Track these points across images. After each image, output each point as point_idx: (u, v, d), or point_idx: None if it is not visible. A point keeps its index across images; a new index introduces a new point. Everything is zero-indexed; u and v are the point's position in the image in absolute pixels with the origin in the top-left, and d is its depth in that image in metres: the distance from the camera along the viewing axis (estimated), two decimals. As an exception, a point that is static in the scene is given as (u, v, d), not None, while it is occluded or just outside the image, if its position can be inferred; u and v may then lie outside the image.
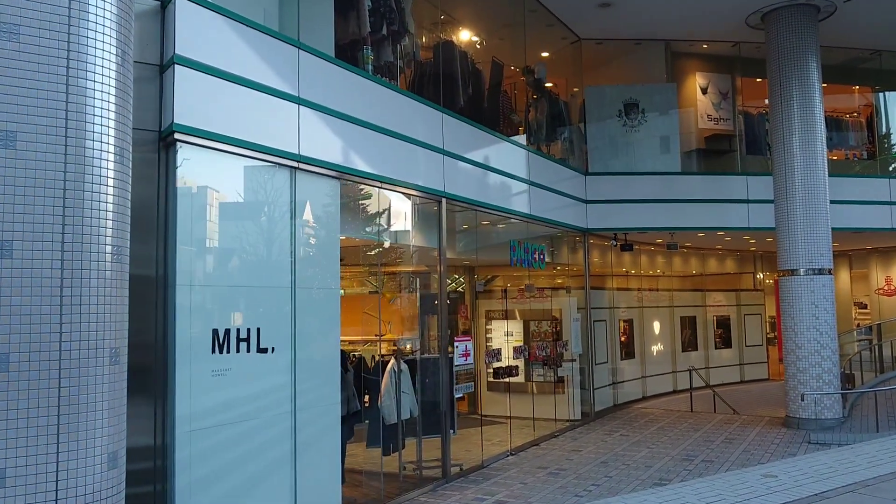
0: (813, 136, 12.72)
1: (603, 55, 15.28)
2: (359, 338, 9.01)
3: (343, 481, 7.97)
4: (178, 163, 5.74)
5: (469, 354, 9.57)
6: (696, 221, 14.44)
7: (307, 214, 7.09)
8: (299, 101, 6.90)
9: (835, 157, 16.70)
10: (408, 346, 9.67)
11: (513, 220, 11.79)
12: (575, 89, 15.23)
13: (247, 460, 6.15)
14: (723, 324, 19.33)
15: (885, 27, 14.23)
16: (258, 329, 6.31)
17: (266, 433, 6.35)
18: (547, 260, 14.63)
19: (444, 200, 9.27)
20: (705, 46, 15.10)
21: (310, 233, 7.13)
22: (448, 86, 10.08)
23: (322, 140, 7.21)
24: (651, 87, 14.69)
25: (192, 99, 5.77)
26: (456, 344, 9.37)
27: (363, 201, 8.33)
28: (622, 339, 16.09)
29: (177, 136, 5.65)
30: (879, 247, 20.20)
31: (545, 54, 15.08)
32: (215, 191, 6.15)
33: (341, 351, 8.15)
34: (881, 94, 17.19)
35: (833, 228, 14.87)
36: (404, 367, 8.92)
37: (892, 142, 17.31)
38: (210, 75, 5.94)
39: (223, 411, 5.94)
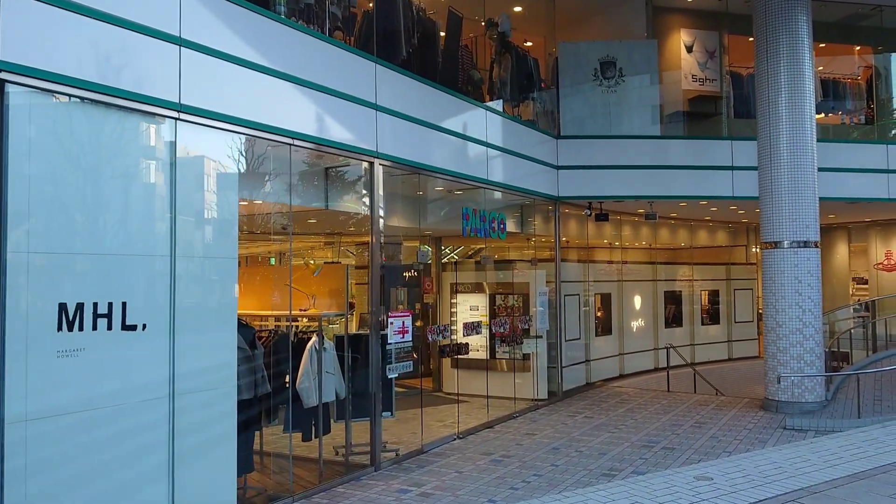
0: (801, 96, 11.69)
1: (580, 11, 14.24)
2: (272, 313, 8.18)
3: (249, 469, 7.23)
4: (8, 107, 4.86)
5: (407, 331, 8.73)
6: (677, 190, 13.48)
7: (193, 173, 6.22)
8: (181, 41, 5.99)
9: (831, 122, 15.64)
10: (337, 322, 8.86)
11: (475, 188, 10.91)
12: (553, 49, 14.21)
13: (108, 461, 5.35)
14: (711, 299, 18.42)
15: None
16: (123, 303, 5.47)
17: (133, 425, 5.55)
18: (515, 230, 13.78)
19: (376, 161, 8.38)
20: (690, 0, 14.00)
21: (197, 194, 6.27)
22: (387, 35, 9.13)
23: (212, 88, 6.31)
24: (630, 43, 13.64)
25: (24, 32, 4.88)
26: (391, 320, 8.54)
27: (273, 160, 7.45)
28: (599, 314, 15.23)
29: (4, 75, 4.78)
30: (879, 219, 19.15)
31: (518, 9, 14.03)
32: (63, 143, 5.27)
33: (248, 327, 7.35)
34: (883, 56, 16.00)
35: (827, 198, 13.94)
36: (329, 345, 8.10)
37: (894, 106, 16.18)
38: (48, 4, 5.04)
39: (75, 402, 5.13)
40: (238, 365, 6.59)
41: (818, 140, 14.44)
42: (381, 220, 8.39)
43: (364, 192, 8.49)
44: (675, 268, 17.64)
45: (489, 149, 10.89)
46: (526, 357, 12.84)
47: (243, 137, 6.71)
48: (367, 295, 8.59)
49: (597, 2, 13.87)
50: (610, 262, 15.95)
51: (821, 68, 16.16)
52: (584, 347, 14.39)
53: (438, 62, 10.78)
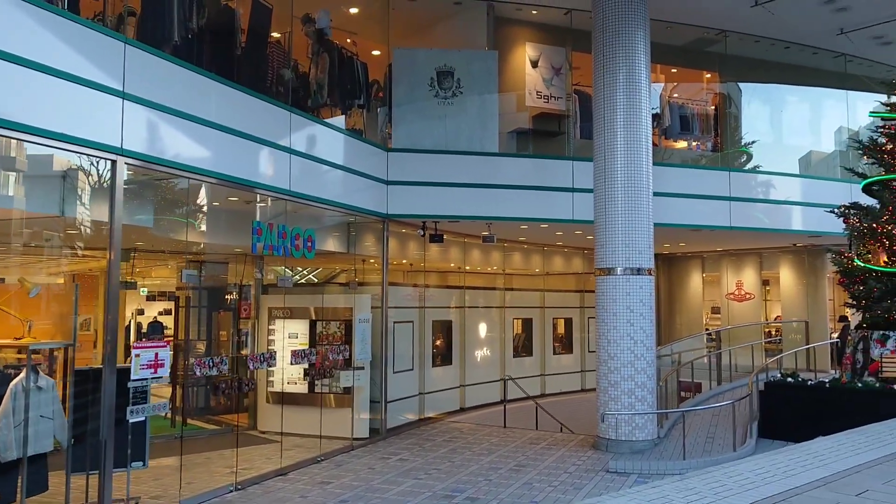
0: (637, 118, 11.10)
1: (419, 17, 13.30)
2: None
3: None
4: None
5: (162, 366, 7.29)
6: (516, 211, 12.63)
7: None
8: None
9: (678, 147, 15.33)
10: (60, 354, 7.32)
11: (277, 199, 9.64)
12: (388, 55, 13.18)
13: None
14: (565, 327, 17.76)
15: (722, 2, 12.79)
16: None
17: None
18: (340, 250, 12.57)
19: (120, 160, 6.95)
20: (535, 13, 13.32)
21: None
22: (151, 14, 7.77)
23: None
24: (469, 53, 12.78)
25: None
26: (136, 352, 7.09)
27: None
28: (438, 342, 14.16)
29: None
30: (731, 249, 19.15)
31: (354, 10, 12.97)
32: None
33: None
34: (730, 84, 15.89)
35: (671, 224, 13.52)
36: (46, 382, 6.57)
37: (743, 134, 16.09)
38: None
39: None
40: None
41: (664, 164, 14.14)
42: (119, 231, 6.94)
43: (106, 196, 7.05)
44: (527, 294, 16.85)
45: (294, 156, 9.64)
46: (347, 391, 11.58)
47: None
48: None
49: (437, 9, 12.96)
50: (451, 287, 14.95)
51: (675, 95, 15.93)
52: (419, 379, 13.26)
53: (236, 56, 9.50)
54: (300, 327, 12.03)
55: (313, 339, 11.87)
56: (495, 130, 12.69)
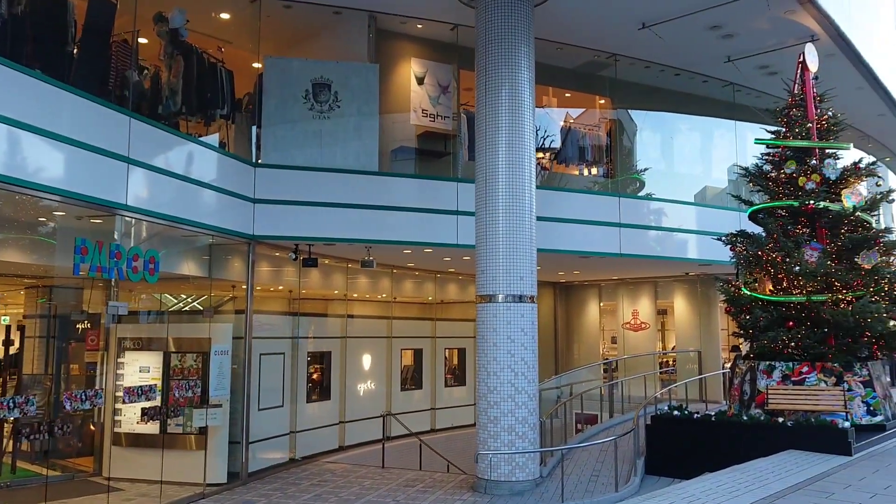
0: (521, 139, 10.53)
1: (296, 26, 12.46)
2: None
3: None
4: None
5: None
6: (397, 234, 11.83)
7: None
8: None
9: (572, 173, 14.93)
10: None
11: (111, 214, 8.52)
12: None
13: None
14: (458, 358, 16.99)
15: (609, 23, 12.49)
16: None
17: None
18: (200, 274, 11.46)
19: None
20: (420, 27, 12.70)
21: None
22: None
23: None
24: (348, 65, 12.00)
25: None
26: None
27: None
28: (315, 376, 13.13)
29: None
30: (628, 278, 18.93)
31: (225, 15, 12.03)
32: None
33: None
34: (622, 110, 15.70)
35: (559, 251, 13.04)
36: None
37: (636, 161, 15.88)
38: None
39: None
40: None
41: (552, 188, 13.69)
42: None
43: None
44: (417, 323, 16.01)
45: (132, 166, 8.55)
46: (203, 431, 10.42)
47: None
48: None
49: (315, 18, 12.12)
50: (334, 316, 13.97)
51: (570, 120, 15.60)
52: (290, 416, 12.17)
53: (68, 53, 8.41)
54: (152, 360, 10.80)
55: (167, 373, 10.68)
56: (375, 148, 11.91)
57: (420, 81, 12.87)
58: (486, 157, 10.54)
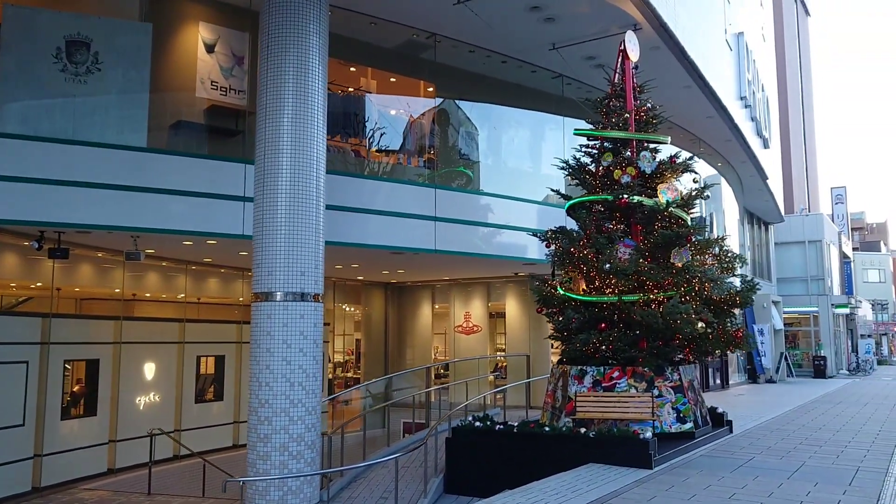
0: (309, 112, 9.19)
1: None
2: None
3: None
4: None
5: None
6: (171, 222, 10.13)
7: None
8: None
9: (387, 160, 13.72)
10: None
11: None
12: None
13: None
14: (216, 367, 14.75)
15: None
16: None
17: None
18: None
19: None
20: (207, -14, 11.09)
21: None
22: None
23: None
24: (113, 22, 10.23)
25: None
26: None
27: None
28: (75, 388, 11.17)
29: None
30: (459, 279, 18.01)
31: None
32: None
33: None
34: (446, 98, 14.66)
35: (367, 245, 11.77)
36: None
37: (460, 152, 14.88)
38: None
39: None
40: None
41: (356, 175, 12.44)
42: None
43: None
44: (217, 327, 14.24)
45: None
46: None
47: None
48: None
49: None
50: (103, 318, 11.99)
51: (400, 109, 14.40)
52: (34, 436, 10.19)
53: None
54: None
55: None
56: (144, 120, 10.19)
57: (210, 49, 11.23)
58: (267, 131, 9.12)
